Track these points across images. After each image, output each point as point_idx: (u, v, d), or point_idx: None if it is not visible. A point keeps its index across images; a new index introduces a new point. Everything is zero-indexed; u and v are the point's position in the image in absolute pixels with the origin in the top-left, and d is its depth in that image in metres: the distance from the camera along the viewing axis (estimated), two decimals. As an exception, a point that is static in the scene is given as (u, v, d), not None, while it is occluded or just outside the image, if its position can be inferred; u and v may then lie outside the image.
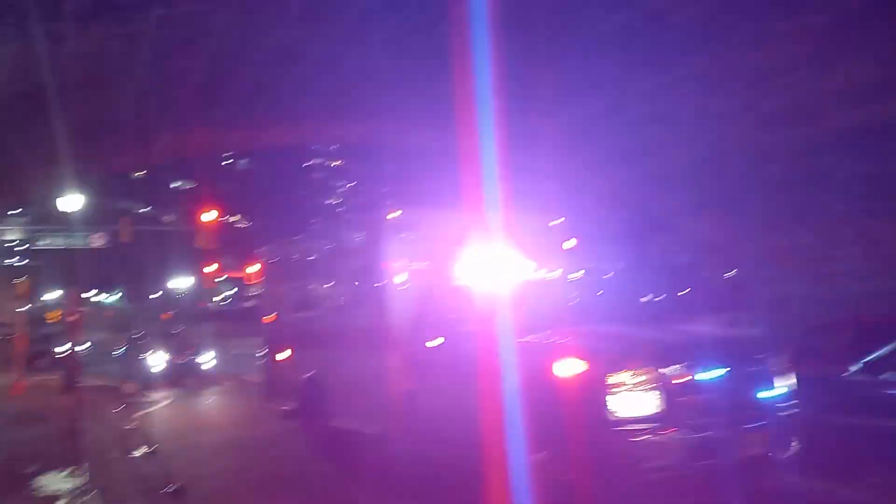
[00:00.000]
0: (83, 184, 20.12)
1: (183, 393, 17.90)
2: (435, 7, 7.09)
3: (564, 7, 9.59)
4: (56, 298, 42.12)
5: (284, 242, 10.15)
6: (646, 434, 5.13)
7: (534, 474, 4.70)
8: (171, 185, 65.94)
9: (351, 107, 14.55)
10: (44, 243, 20.00)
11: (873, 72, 10.07)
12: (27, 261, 51.44)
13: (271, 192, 62.92)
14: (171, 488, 6.87)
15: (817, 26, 9.46)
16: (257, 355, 10.74)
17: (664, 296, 16.71)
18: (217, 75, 12.10)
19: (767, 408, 5.69)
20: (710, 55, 10.59)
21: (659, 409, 5.18)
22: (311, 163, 72.15)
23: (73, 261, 21.34)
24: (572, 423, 5.16)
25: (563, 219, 7.73)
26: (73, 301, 26.16)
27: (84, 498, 6.80)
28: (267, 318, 10.46)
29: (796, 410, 5.83)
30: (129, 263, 47.70)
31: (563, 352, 5.40)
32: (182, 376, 19.44)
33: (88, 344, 32.15)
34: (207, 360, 20.63)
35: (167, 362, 19.68)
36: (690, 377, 5.34)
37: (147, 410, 14.35)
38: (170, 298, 54.21)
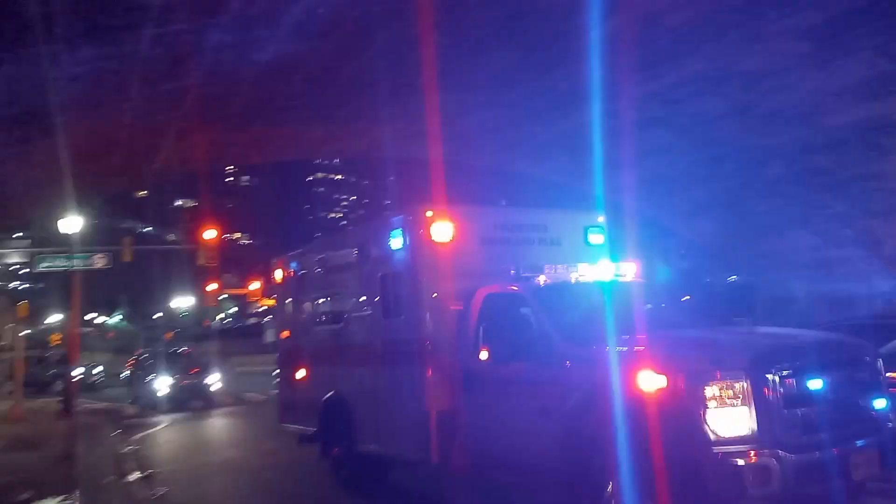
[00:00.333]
0: (84, 205, 19.88)
1: (190, 416, 17.11)
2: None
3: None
4: (58, 321, 41.40)
5: (298, 254, 9.30)
6: (742, 456, 4.32)
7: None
8: (173, 204, 65.44)
9: (350, 120, 14.16)
10: (45, 266, 19.47)
11: (873, 72, 9.68)
12: (28, 284, 50.97)
13: (274, 208, 62.41)
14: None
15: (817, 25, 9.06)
16: (272, 374, 9.91)
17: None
18: (215, 92, 11.76)
19: (880, 420, 4.87)
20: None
21: (758, 426, 4.37)
22: (314, 177, 71.80)
23: (75, 283, 20.88)
24: (659, 444, 4.35)
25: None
26: (74, 324, 25.66)
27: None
28: (282, 335, 9.66)
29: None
30: (132, 284, 47.07)
31: (645, 362, 4.58)
32: (188, 398, 18.73)
33: (91, 366, 31.58)
34: (214, 381, 19.94)
35: (172, 385, 18.92)
36: (793, 386, 4.53)
37: (145, 433, 13.77)
38: (173, 318, 53.64)
